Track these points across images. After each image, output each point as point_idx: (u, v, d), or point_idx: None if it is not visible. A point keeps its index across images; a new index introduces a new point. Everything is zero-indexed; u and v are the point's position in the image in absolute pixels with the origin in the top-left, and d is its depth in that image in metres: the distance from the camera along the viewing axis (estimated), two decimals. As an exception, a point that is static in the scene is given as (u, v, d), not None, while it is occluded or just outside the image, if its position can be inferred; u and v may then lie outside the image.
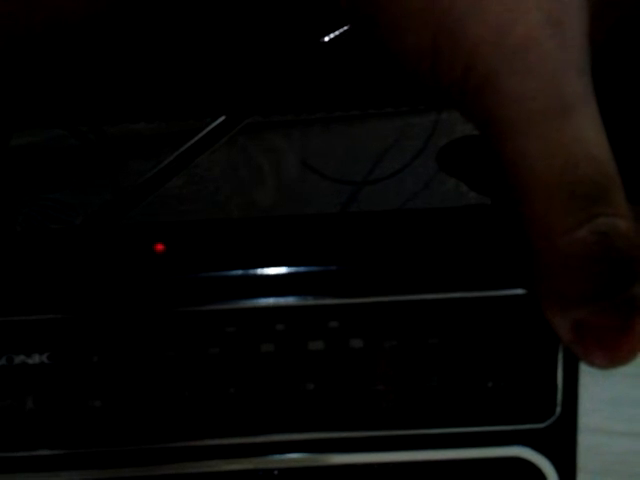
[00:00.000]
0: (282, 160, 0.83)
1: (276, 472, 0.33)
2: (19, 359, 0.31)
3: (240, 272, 0.32)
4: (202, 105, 0.35)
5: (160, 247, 0.36)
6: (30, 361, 0.32)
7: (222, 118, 0.44)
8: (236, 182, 0.82)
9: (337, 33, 0.40)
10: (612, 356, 0.28)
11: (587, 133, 0.27)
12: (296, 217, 0.37)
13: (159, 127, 0.77)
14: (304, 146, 0.83)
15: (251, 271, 0.32)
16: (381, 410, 0.32)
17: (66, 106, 0.40)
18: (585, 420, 0.33)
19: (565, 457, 0.32)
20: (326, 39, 0.40)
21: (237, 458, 0.33)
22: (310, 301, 0.31)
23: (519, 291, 0.31)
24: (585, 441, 0.33)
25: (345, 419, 0.32)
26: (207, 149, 0.49)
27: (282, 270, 0.32)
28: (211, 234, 0.40)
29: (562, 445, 0.32)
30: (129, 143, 0.77)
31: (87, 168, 0.77)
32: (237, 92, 0.35)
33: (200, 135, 0.46)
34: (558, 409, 0.31)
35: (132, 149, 0.77)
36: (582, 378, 0.31)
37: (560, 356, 0.31)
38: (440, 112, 0.86)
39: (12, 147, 0.60)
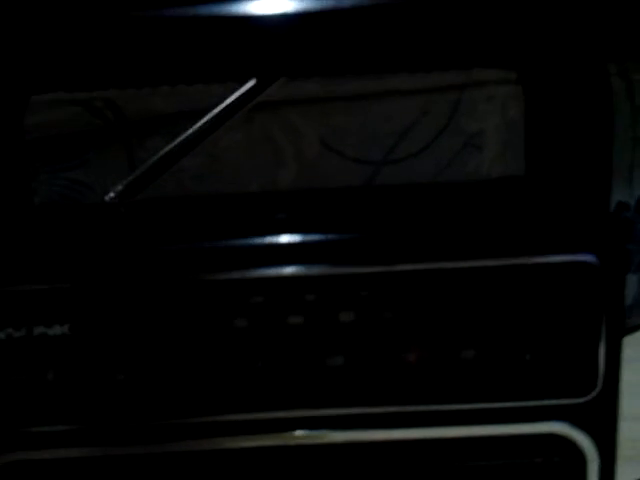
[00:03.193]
0: (301, 139, 0.82)
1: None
2: (39, 330, 0.30)
3: (266, 240, 0.30)
4: (233, 65, 0.34)
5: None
6: (50, 332, 0.30)
7: (252, 81, 0.42)
8: (255, 162, 0.81)
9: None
10: None
11: None
12: (321, 190, 0.36)
13: (177, 105, 0.75)
14: (324, 125, 0.82)
15: (277, 238, 0.30)
16: (414, 385, 0.30)
17: (86, 70, 0.39)
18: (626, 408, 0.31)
19: (606, 434, 0.31)
20: None
21: (263, 434, 0.32)
22: (341, 270, 0.30)
23: (559, 258, 0.30)
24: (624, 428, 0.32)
25: (377, 394, 0.31)
26: (232, 116, 0.47)
27: (311, 237, 0.31)
28: (234, 206, 0.39)
29: (603, 421, 0.31)
30: (146, 121, 0.76)
31: (104, 146, 0.75)
32: (267, 52, 0.34)
33: (228, 101, 0.45)
34: (600, 383, 0.30)
35: (150, 127, 0.75)
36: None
37: (603, 328, 0.30)
38: (463, 90, 0.85)
39: (28, 125, 0.59)
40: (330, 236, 0.30)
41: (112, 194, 0.47)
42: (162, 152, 0.49)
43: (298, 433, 0.31)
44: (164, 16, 0.35)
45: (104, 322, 0.30)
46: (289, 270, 0.30)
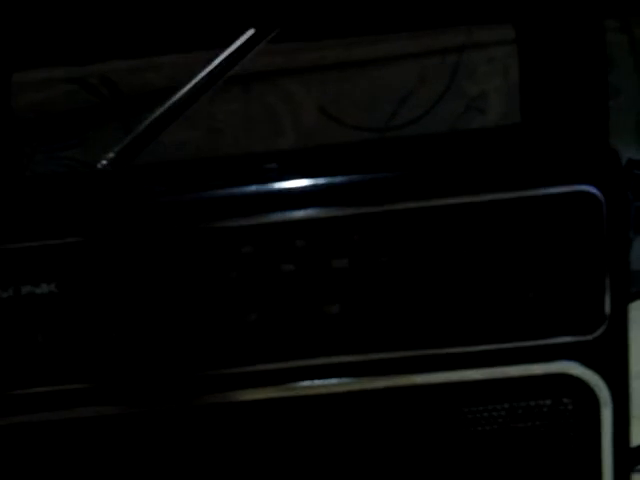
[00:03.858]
0: (300, 108, 0.81)
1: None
2: (26, 289, 0.30)
3: (255, 188, 0.29)
4: (228, 21, 0.33)
5: None
6: (38, 291, 0.30)
7: (251, 32, 0.41)
8: (254, 132, 0.80)
9: None
10: None
11: None
12: (315, 147, 0.35)
13: (171, 77, 0.74)
14: (322, 93, 0.81)
15: (267, 186, 0.29)
16: (414, 328, 0.29)
17: (76, 40, 0.38)
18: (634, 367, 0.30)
19: (617, 373, 0.30)
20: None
21: (260, 387, 0.31)
22: (332, 212, 0.29)
23: (560, 189, 0.29)
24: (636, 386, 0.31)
25: (377, 340, 0.30)
26: (222, 77, 0.46)
27: (301, 183, 0.30)
28: (225, 164, 0.38)
29: (613, 360, 0.30)
30: (143, 96, 0.75)
31: (102, 124, 0.75)
32: (264, 4, 0.33)
33: (225, 54, 0.44)
34: (607, 319, 0.29)
35: (146, 102, 0.75)
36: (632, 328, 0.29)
37: (607, 261, 0.29)
38: (462, 53, 0.83)
39: (23, 105, 0.58)
40: (320, 180, 0.29)
41: (104, 161, 0.46)
42: (153, 117, 0.48)
43: (301, 384, 0.30)
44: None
45: (91, 278, 0.29)
46: (278, 216, 0.29)
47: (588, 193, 0.28)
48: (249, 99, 0.78)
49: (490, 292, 0.28)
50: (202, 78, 0.47)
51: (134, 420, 0.30)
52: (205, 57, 0.57)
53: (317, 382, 0.30)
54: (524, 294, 0.28)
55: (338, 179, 0.29)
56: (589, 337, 0.29)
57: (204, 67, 0.49)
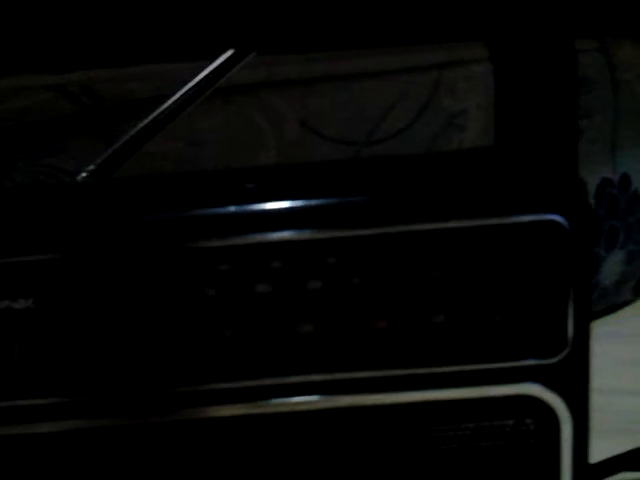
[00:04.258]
0: (282, 121, 0.82)
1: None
2: (4, 304, 0.30)
3: (233, 208, 0.30)
4: (211, 37, 0.34)
5: None
6: (16, 306, 0.30)
7: (230, 52, 0.42)
8: (236, 145, 0.81)
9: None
10: None
11: None
12: (292, 165, 0.36)
13: (153, 89, 0.75)
14: (304, 106, 0.82)
15: (245, 207, 0.30)
16: (383, 349, 0.30)
17: (58, 49, 0.38)
18: (605, 381, 0.31)
19: (578, 394, 0.31)
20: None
21: (234, 403, 0.31)
22: (307, 235, 0.30)
23: (527, 218, 0.30)
24: (601, 401, 0.32)
25: (347, 360, 0.31)
26: (211, 87, 0.47)
27: (279, 205, 0.30)
28: (204, 181, 0.38)
29: (574, 382, 0.31)
30: (123, 105, 0.75)
31: (80, 132, 0.75)
32: (246, 23, 0.34)
33: (206, 72, 0.44)
34: (569, 343, 0.30)
35: (127, 111, 0.75)
36: (598, 340, 0.30)
37: (572, 288, 0.30)
38: (442, 70, 0.84)
39: (1, 111, 0.58)
40: (297, 202, 0.29)
41: (84, 174, 0.46)
42: (135, 130, 0.49)
43: (274, 401, 0.31)
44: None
45: (69, 294, 0.30)
46: (256, 237, 0.29)
47: (554, 222, 0.29)
48: (230, 112, 0.79)
49: (458, 315, 0.29)
50: (183, 94, 0.48)
51: (109, 434, 0.31)
52: (188, 68, 0.57)
53: (289, 400, 0.30)
54: (492, 318, 0.29)
55: (314, 202, 0.29)
56: (552, 360, 0.30)
57: (185, 83, 0.50)
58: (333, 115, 0.82)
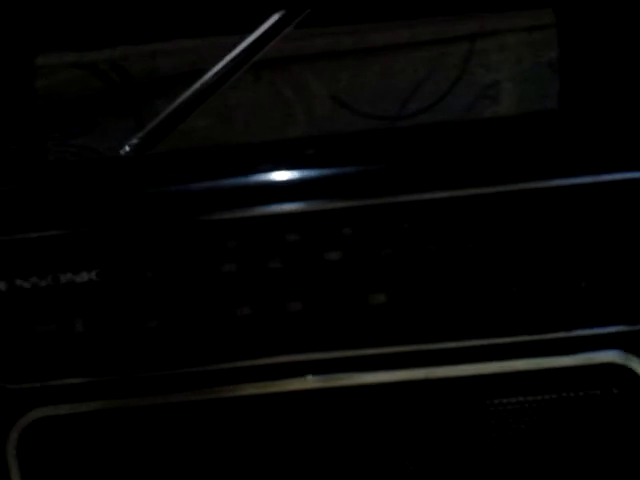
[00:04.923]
0: (312, 96, 0.80)
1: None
2: (66, 277, 0.29)
3: (302, 173, 0.29)
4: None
5: None
6: (78, 279, 0.29)
7: (282, 12, 0.40)
8: (265, 120, 0.79)
9: None
10: None
11: None
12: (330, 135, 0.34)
13: (181, 65, 0.73)
14: (334, 80, 0.80)
15: (303, 172, 0.29)
16: (472, 318, 0.29)
17: (96, 24, 0.37)
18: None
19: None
20: None
21: (296, 377, 0.30)
22: (379, 200, 0.28)
23: (611, 177, 0.28)
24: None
25: (429, 330, 0.29)
26: (241, 67, 0.45)
27: (343, 170, 0.29)
28: (258, 151, 0.37)
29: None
30: (153, 82, 0.74)
31: (112, 110, 0.74)
32: None
33: (254, 35, 0.43)
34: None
35: (156, 89, 0.74)
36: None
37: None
38: (474, 41, 0.83)
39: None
40: (358, 168, 0.28)
41: (127, 148, 0.45)
42: (174, 105, 0.47)
43: (312, 378, 0.29)
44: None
45: (133, 266, 0.29)
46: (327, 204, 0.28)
47: (637, 180, 0.27)
48: (259, 86, 0.78)
49: (545, 282, 0.28)
50: (226, 64, 0.46)
51: (169, 410, 0.30)
52: (220, 42, 0.56)
53: (363, 374, 0.29)
54: (578, 284, 0.28)
55: (376, 167, 0.28)
56: (638, 327, 0.28)
57: (227, 53, 0.48)
58: (364, 89, 0.80)
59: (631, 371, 0.29)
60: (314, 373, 0.29)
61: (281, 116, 0.80)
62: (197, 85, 0.47)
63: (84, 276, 0.29)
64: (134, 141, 0.45)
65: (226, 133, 0.77)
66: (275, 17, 0.42)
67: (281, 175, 0.28)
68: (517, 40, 0.82)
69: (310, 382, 0.30)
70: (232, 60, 0.46)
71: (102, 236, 0.29)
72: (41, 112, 0.39)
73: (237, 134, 0.78)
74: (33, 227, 0.28)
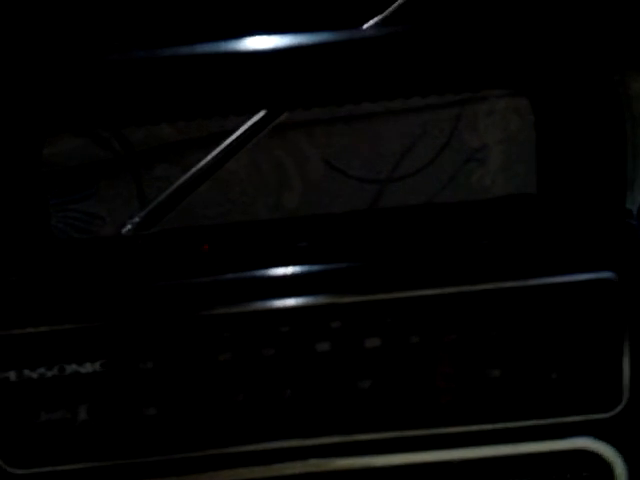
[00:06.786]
0: (306, 160, 0.83)
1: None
2: (71, 368, 0.31)
3: (296, 269, 0.31)
4: (244, 99, 0.35)
5: (206, 247, 0.35)
6: (83, 370, 0.31)
7: (262, 113, 0.43)
8: (261, 184, 0.82)
9: (376, 20, 0.39)
10: None
11: None
12: (326, 215, 0.36)
13: (182, 131, 0.76)
14: (327, 145, 0.83)
15: (304, 268, 0.31)
16: (441, 407, 0.31)
17: (101, 109, 0.39)
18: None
19: (633, 447, 0.31)
20: (365, 26, 0.40)
21: (292, 461, 0.32)
22: (366, 297, 0.30)
23: (578, 277, 0.30)
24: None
25: (405, 418, 0.31)
26: (244, 146, 0.48)
27: (337, 265, 0.31)
28: (250, 235, 0.39)
29: (629, 435, 0.31)
30: (153, 149, 0.76)
31: (113, 177, 0.76)
32: (279, 84, 0.35)
33: (239, 132, 0.46)
34: (624, 398, 0.31)
35: (157, 155, 0.76)
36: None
37: (626, 343, 0.31)
38: (463, 106, 0.86)
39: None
40: (349, 264, 0.30)
41: (129, 226, 0.47)
42: (177, 184, 0.50)
43: (325, 460, 0.31)
44: (177, 55, 0.36)
45: (135, 357, 0.31)
46: (317, 300, 0.30)
47: (605, 279, 0.30)
48: (255, 151, 0.80)
49: (516, 374, 0.30)
50: (216, 154, 0.49)
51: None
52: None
53: (354, 459, 0.31)
54: (548, 375, 0.30)
55: (363, 264, 0.30)
56: (608, 415, 0.30)
57: (211, 142, 0.51)
58: (356, 154, 0.83)
59: (600, 457, 0.31)
60: (304, 458, 0.31)
61: (276, 180, 0.82)
62: (197, 167, 0.50)
63: (88, 367, 0.31)
64: (136, 219, 0.47)
65: (222, 196, 0.80)
66: (259, 115, 0.45)
67: (275, 272, 0.31)
68: (505, 105, 0.85)
69: (299, 467, 0.32)
70: (221, 151, 0.49)
71: (107, 329, 0.31)
72: (44, 180, 0.41)
73: (233, 197, 0.80)
74: (43, 321, 0.30)
